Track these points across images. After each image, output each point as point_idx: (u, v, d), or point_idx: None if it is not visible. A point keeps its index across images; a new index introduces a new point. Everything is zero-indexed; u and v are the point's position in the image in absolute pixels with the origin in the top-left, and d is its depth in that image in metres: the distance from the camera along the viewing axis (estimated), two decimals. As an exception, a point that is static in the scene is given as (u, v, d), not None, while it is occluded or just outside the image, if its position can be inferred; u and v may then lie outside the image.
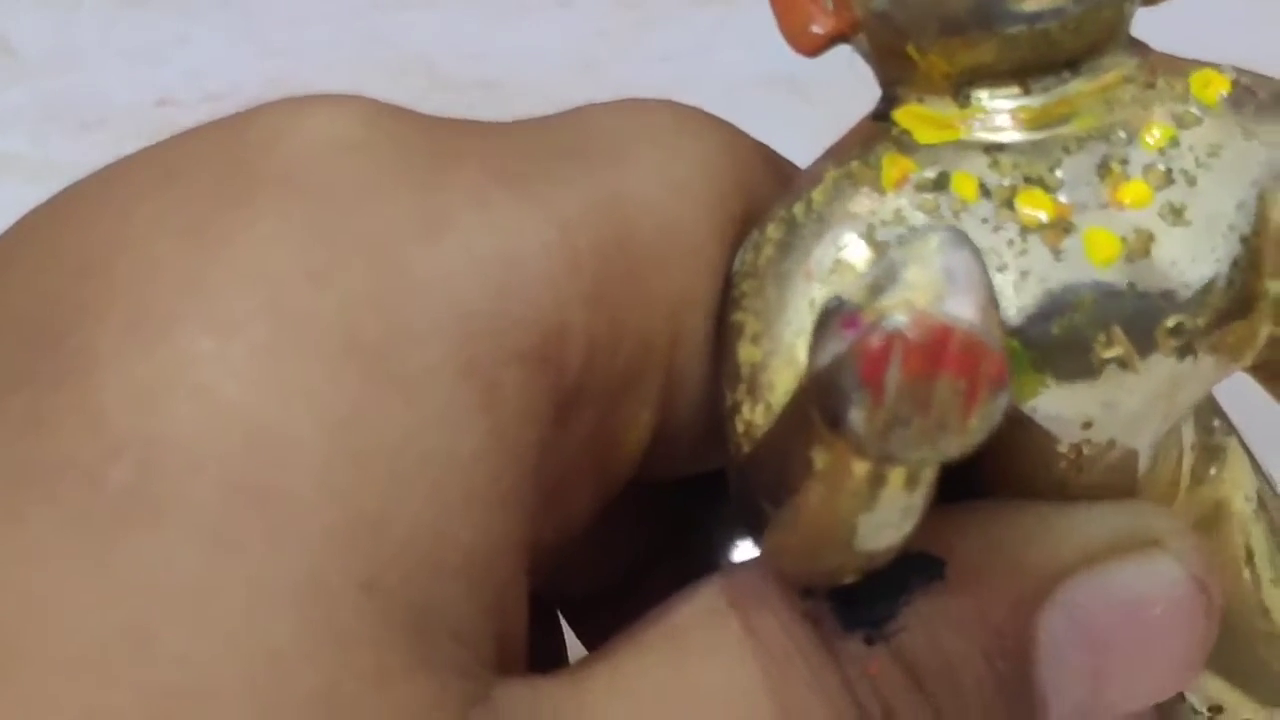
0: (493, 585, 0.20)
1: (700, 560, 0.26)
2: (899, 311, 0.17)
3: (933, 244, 0.17)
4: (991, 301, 0.17)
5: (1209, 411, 0.25)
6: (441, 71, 0.49)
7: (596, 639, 0.26)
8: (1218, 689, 0.25)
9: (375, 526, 0.19)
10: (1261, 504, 0.25)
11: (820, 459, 0.19)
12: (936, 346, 0.17)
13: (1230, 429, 0.25)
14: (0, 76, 0.50)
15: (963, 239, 0.18)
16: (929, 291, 0.17)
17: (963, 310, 0.17)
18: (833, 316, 0.18)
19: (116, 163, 0.23)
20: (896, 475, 0.19)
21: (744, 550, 0.25)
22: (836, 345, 0.17)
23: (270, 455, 0.19)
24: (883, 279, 0.17)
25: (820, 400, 0.18)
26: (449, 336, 0.20)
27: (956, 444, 0.18)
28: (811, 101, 0.45)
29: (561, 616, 0.27)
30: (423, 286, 0.20)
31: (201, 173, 0.21)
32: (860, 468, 0.18)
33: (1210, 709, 0.25)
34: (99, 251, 0.21)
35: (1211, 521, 0.25)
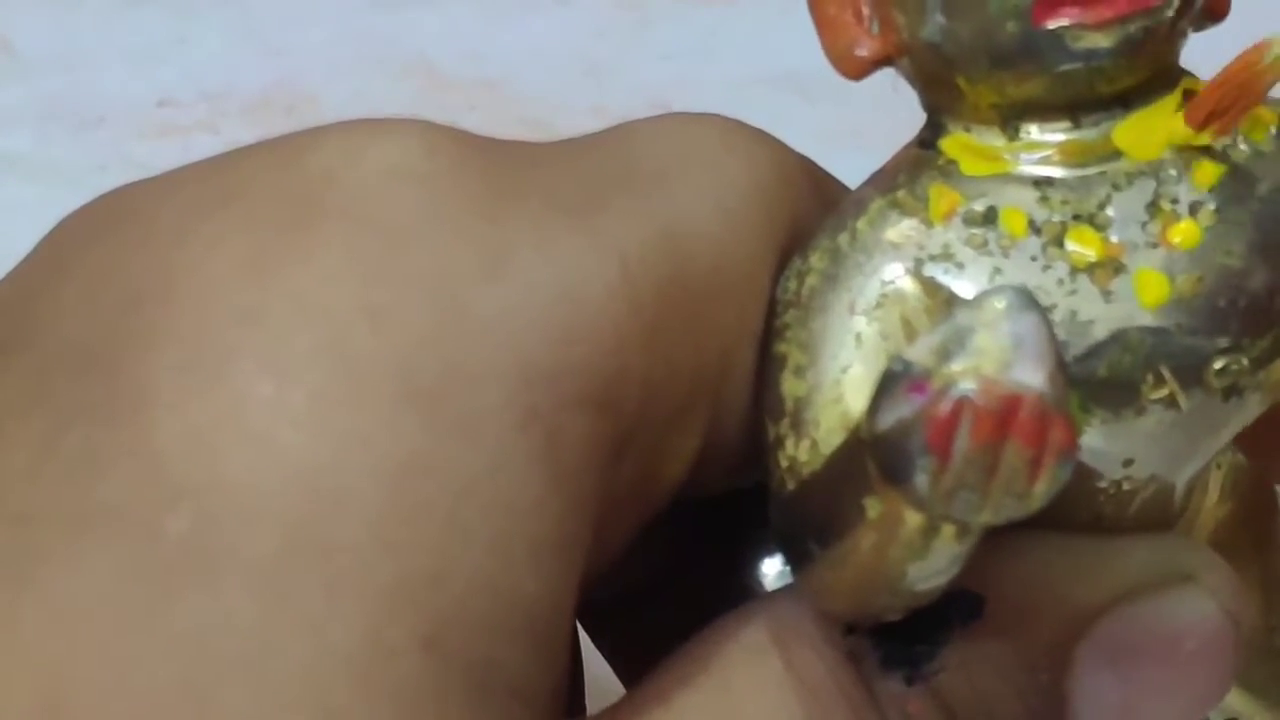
0: (551, 638, 0.20)
1: (726, 572, 0.26)
2: (967, 379, 0.17)
3: (1000, 308, 0.17)
4: (1060, 367, 0.17)
5: None
6: (441, 71, 0.49)
7: (614, 643, 0.26)
8: (1234, 699, 0.25)
9: (435, 581, 0.19)
10: None
11: (874, 508, 0.19)
12: (1005, 415, 0.17)
13: None
14: (0, 76, 0.50)
15: (1030, 301, 0.17)
16: (997, 358, 0.17)
17: (1032, 378, 0.17)
18: (898, 379, 0.18)
19: (168, 175, 0.22)
20: (949, 527, 0.19)
21: (772, 566, 0.25)
22: (903, 409, 0.17)
23: (328, 506, 0.19)
24: (950, 343, 0.17)
25: (882, 460, 0.18)
26: (510, 381, 0.20)
27: (1020, 509, 0.18)
28: (812, 101, 0.45)
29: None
30: (483, 328, 0.20)
31: (259, 198, 0.21)
32: (914, 519, 0.18)
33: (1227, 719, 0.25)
34: (153, 276, 0.20)
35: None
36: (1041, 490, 0.18)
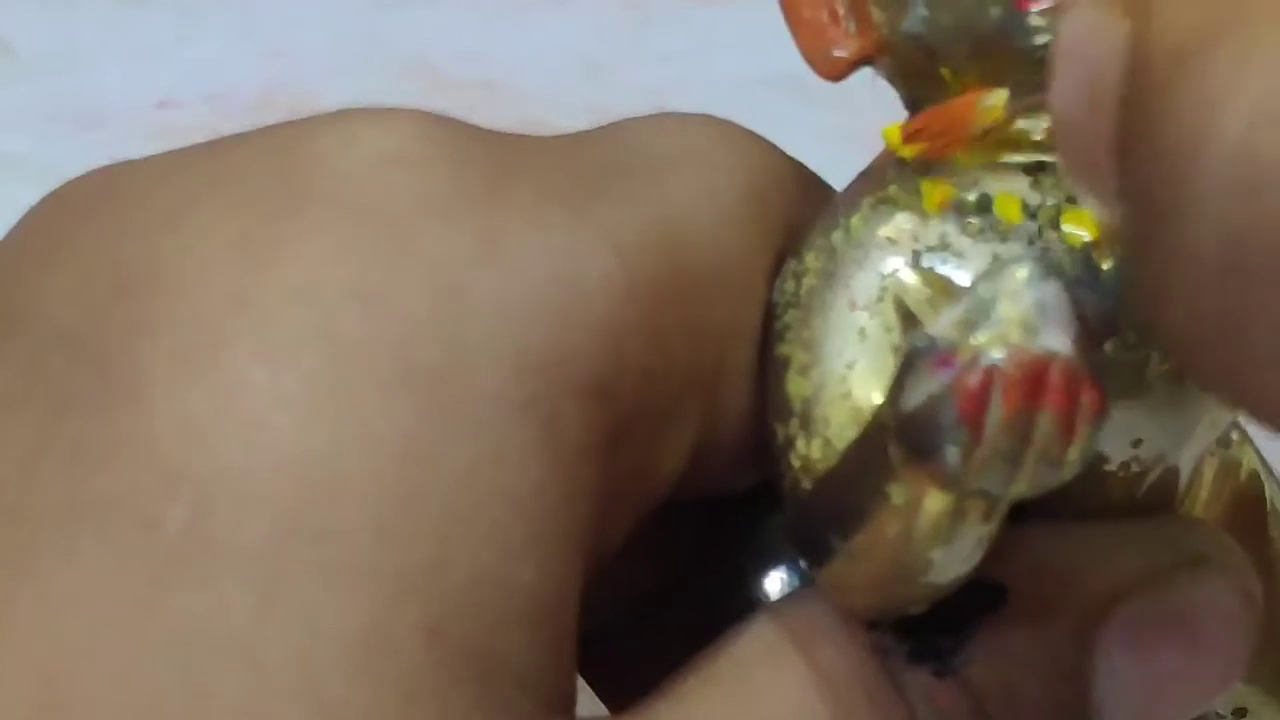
0: (553, 626, 0.20)
1: (727, 591, 0.25)
2: (995, 348, 0.17)
3: (1021, 277, 0.17)
4: (1085, 331, 0.17)
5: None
6: (441, 71, 0.49)
7: (604, 677, 0.26)
8: (1241, 691, 0.25)
9: (434, 570, 0.19)
10: (1275, 512, 0.25)
11: (898, 494, 0.19)
12: (1036, 381, 0.17)
13: (1246, 438, 0.25)
14: (0, 76, 0.50)
15: (1050, 270, 0.17)
16: (1023, 326, 0.17)
17: (1059, 343, 0.17)
18: (924, 355, 0.18)
19: (159, 157, 0.22)
20: (975, 508, 0.18)
21: (773, 582, 0.25)
22: (931, 385, 0.17)
23: (325, 495, 0.19)
24: (974, 315, 0.17)
25: (911, 440, 0.18)
26: (508, 367, 0.20)
27: (1054, 477, 0.18)
28: (812, 101, 0.45)
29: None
30: (480, 313, 0.20)
31: (252, 183, 0.21)
32: (940, 502, 0.18)
33: (1234, 712, 0.25)
34: (145, 261, 0.20)
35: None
36: (1076, 456, 0.17)
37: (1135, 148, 0.16)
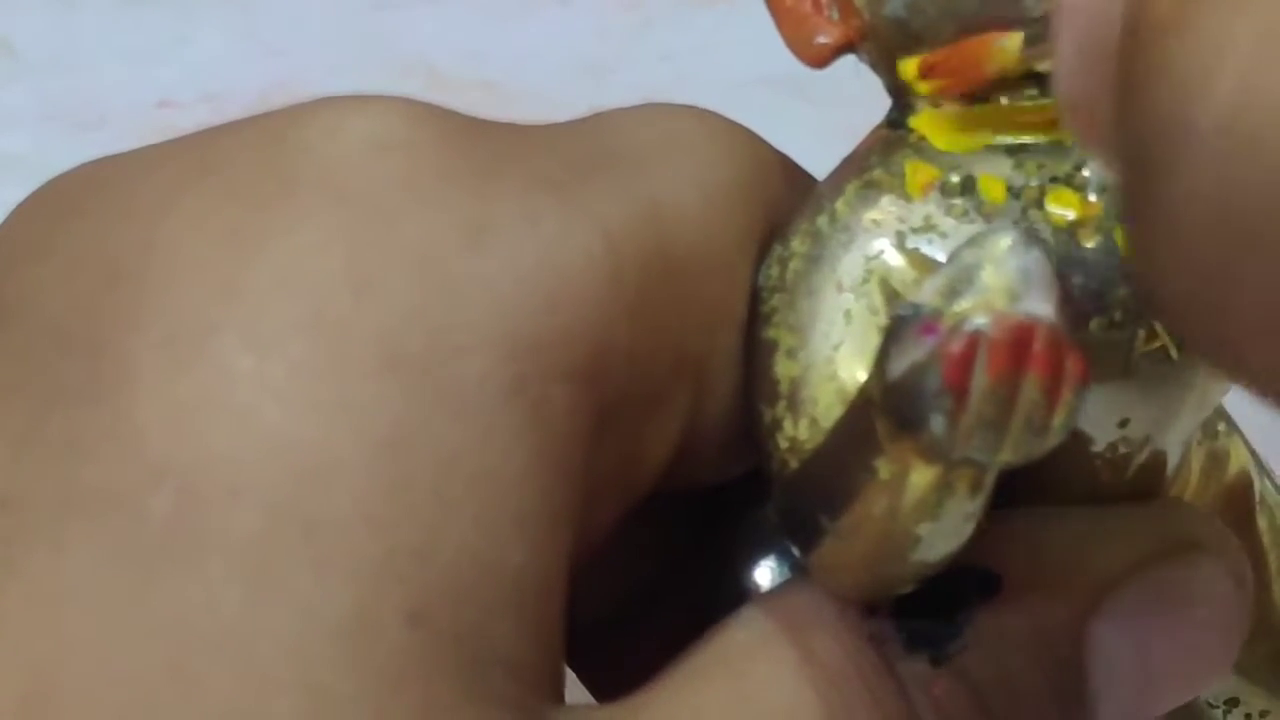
0: (540, 611, 0.20)
1: (718, 582, 0.25)
2: (979, 314, 0.17)
3: (1005, 244, 0.17)
4: (1067, 300, 0.17)
5: (1214, 413, 0.25)
6: (441, 71, 0.49)
7: (594, 670, 0.26)
8: (1231, 682, 0.25)
9: (421, 555, 0.19)
10: (1264, 503, 0.25)
11: (885, 469, 0.19)
12: (1020, 346, 0.17)
13: (1233, 429, 0.25)
14: (0, 76, 0.50)
15: (1033, 238, 0.18)
16: (1007, 292, 0.17)
17: (1042, 309, 0.17)
18: (908, 323, 0.18)
19: (145, 150, 0.22)
20: (962, 482, 0.19)
21: (766, 569, 0.25)
22: (916, 352, 0.17)
23: (312, 482, 0.19)
24: (958, 283, 0.17)
25: (896, 409, 0.18)
26: (496, 351, 0.20)
27: (1039, 444, 0.18)
28: (811, 101, 0.45)
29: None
30: (469, 298, 0.20)
31: (238, 172, 0.21)
32: (927, 475, 0.18)
33: (1225, 702, 0.25)
34: (133, 252, 0.20)
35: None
36: (1060, 423, 0.18)
37: (1131, 103, 0.15)
